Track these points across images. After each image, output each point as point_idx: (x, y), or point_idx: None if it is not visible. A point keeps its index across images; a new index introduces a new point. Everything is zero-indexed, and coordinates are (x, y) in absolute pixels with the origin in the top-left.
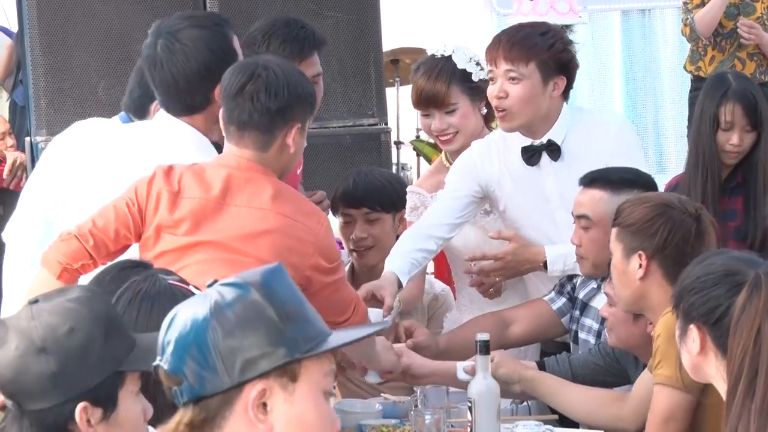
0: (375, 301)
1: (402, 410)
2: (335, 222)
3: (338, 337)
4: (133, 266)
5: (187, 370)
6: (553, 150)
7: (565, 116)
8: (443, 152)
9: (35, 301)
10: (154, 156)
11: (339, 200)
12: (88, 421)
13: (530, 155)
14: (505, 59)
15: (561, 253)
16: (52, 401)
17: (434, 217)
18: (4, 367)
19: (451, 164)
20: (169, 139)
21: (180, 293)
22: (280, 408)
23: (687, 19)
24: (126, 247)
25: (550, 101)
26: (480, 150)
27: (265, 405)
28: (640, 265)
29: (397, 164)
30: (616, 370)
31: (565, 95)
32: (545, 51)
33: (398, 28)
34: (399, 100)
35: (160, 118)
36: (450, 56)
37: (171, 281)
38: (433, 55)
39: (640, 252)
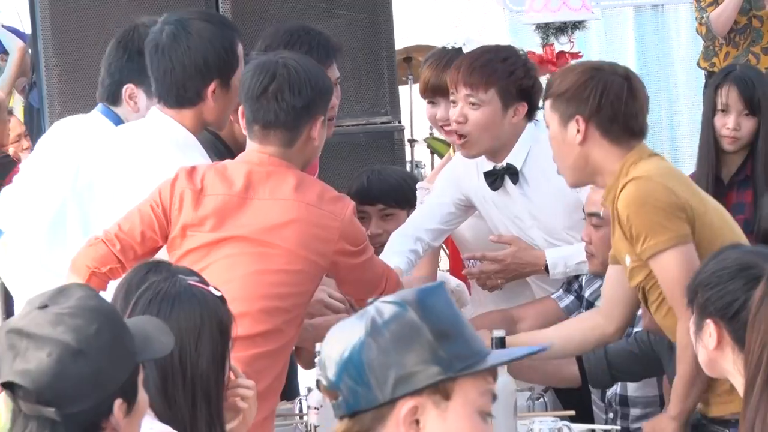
0: None
1: None
2: None
3: (496, 356)
4: (154, 267)
5: (343, 386)
6: (512, 173)
7: (526, 138)
8: (452, 147)
9: (44, 306)
10: (141, 157)
11: (354, 197)
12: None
13: (493, 179)
14: (465, 84)
15: (561, 256)
16: (91, 401)
17: (419, 220)
18: (40, 375)
19: None
20: (154, 141)
21: (200, 293)
22: (433, 425)
23: (702, 18)
24: (154, 249)
25: (511, 126)
26: (463, 162)
27: (417, 422)
28: (578, 130)
29: (411, 162)
30: (650, 358)
31: (529, 117)
32: (505, 78)
33: (411, 26)
34: (412, 98)
35: (151, 115)
36: (460, 48)
37: (191, 281)
38: (443, 47)
39: (577, 117)
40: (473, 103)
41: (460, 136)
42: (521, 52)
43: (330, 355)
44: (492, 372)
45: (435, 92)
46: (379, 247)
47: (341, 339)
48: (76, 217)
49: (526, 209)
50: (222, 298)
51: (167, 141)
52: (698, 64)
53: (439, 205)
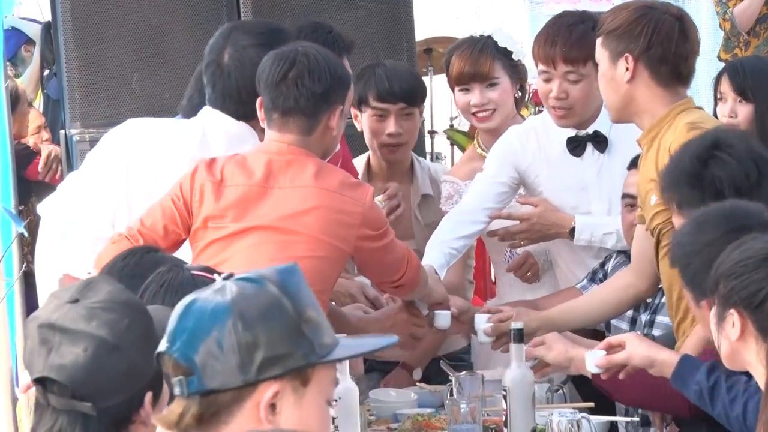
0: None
1: (437, 399)
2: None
3: (349, 346)
4: (144, 252)
5: (200, 361)
6: (600, 141)
7: None
8: (476, 140)
9: (75, 300)
10: (200, 152)
11: (372, 95)
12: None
13: (575, 146)
14: (565, 61)
15: (590, 223)
16: (125, 395)
17: (473, 200)
18: (76, 370)
19: (484, 151)
20: (217, 132)
21: (203, 283)
22: (289, 411)
23: (725, 13)
24: (177, 243)
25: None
26: (519, 134)
27: (273, 406)
28: (627, 68)
29: (431, 153)
30: None
31: None
32: None
33: (431, 18)
34: (432, 89)
35: (206, 115)
36: (490, 35)
37: (195, 272)
38: (472, 36)
39: (626, 54)
40: (573, 80)
41: (560, 108)
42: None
43: (186, 326)
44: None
45: (472, 78)
46: (397, 146)
47: (200, 311)
48: (125, 213)
49: (597, 179)
50: None
51: (220, 133)
52: (719, 57)
53: (491, 184)
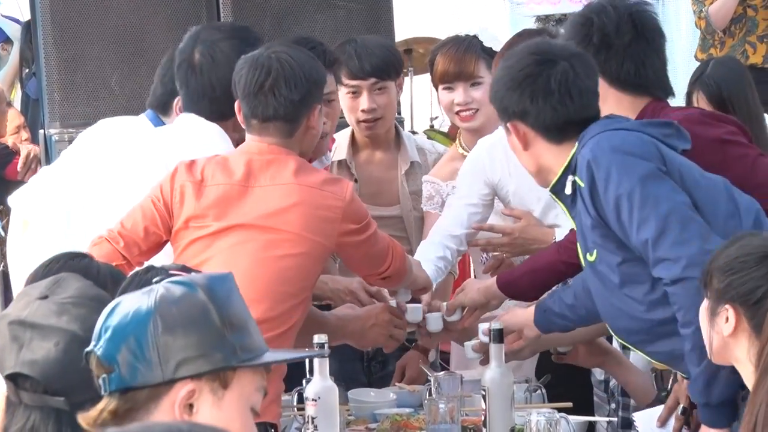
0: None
1: (416, 399)
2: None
3: (275, 355)
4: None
5: (121, 359)
6: None
7: None
8: (458, 140)
9: (44, 297)
10: (183, 154)
11: (344, 73)
12: None
13: None
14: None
15: None
16: (97, 389)
17: (447, 225)
18: (48, 365)
19: (466, 151)
20: (197, 136)
21: None
22: (206, 411)
23: (701, 12)
24: (158, 245)
25: None
26: (488, 147)
27: (191, 406)
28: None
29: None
30: None
31: None
32: None
33: (411, 18)
34: (412, 89)
35: (186, 120)
36: (475, 35)
37: (173, 272)
38: (457, 35)
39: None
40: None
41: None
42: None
43: (110, 325)
44: (267, 370)
45: (456, 77)
46: (373, 121)
47: (125, 310)
48: (96, 212)
49: None
50: None
51: (213, 133)
52: (695, 56)
53: (465, 207)
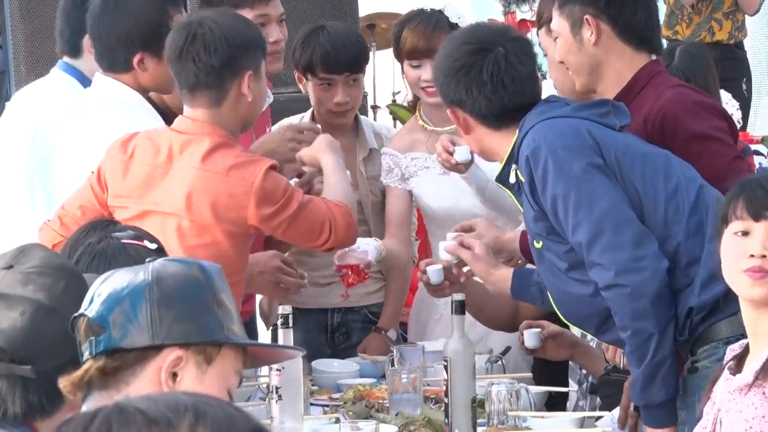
0: None
1: (379, 369)
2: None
3: (258, 342)
4: (91, 227)
5: (113, 320)
6: None
7: None
8: (418, 111)
9: (9, 267)
10: (94, 123)
11: (318, 66)
12: None
13: None
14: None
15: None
16: (64, 357)
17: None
18: (14, 334)
19: (426, 123)
20: (105, 105)
21: (134, 251)
22: (189, 383)
23: None
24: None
25: None
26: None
27: (175, 375)
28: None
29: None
30: None
31: None
32: None
33: None
34: (375, 64)
35: (97, 80)
36: (441, 10)
37: (124, 240)
38: (422, 9)
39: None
40: None
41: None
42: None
43: (104, 291)
44: (245, 358)
45: (424, 54)
46: (344, 112)
47: (120, 279)
48: (39, 188)
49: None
50: (159, 250)
51: (116, 103)
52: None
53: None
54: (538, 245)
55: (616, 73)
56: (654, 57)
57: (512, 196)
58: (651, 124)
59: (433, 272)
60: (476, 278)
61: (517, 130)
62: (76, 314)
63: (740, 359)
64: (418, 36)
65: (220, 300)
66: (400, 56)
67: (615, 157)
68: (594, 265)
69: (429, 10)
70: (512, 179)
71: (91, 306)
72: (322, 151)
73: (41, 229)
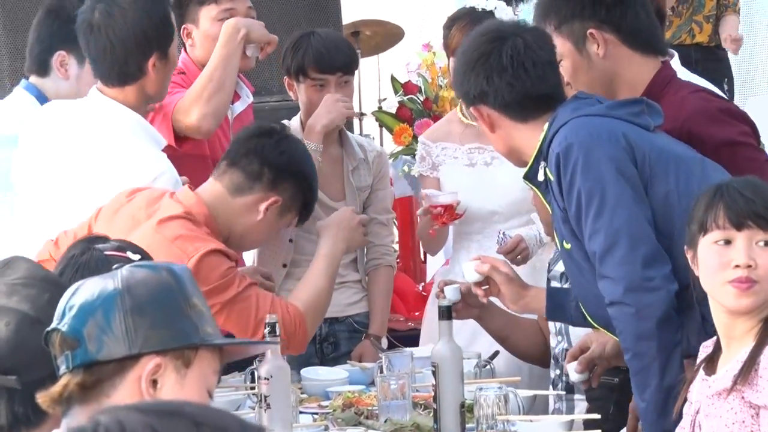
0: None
1: (368, 376)
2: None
3: (232, 340)
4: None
5: (87, 333)
6: None
7: None
8: (459, 105)
9: None
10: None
11: (311, 67)
12: None
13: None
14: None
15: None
16: (49, 368)
17: None
18: (0, 345)
19: (463, 116)
20: (104, 126)
21: (117, 262)
22: (170, 389)
23: None
24: None
25: None
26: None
27: (155, 382)
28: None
29: (360, 135)
30: None
31: None
32: None
33: (357, 0)
34: (360, 71)
35: (94, 98)
36: (492, 11)
37: (108, 252)
38: (473, 8)
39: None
40: None
41: None
42: None
43: (75, 303)
44: (221, 356)
45: None
46: None
47: (90, 289)
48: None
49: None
50: (143, 261)
51: (117, 126)
52: None
53: None
54: (567, 246)
55: (629, 83)
56: (661, 59)
57: (540, 195)
58: (677, 134)
59: (450, 291)
60: (495, 302)
61: (546, 125)
62: (48, 328)
63: (712, 358)
64: (464, 35)
65: (192, 303)
66: (448, 52)
67: (648, 161)
68: (603, 277)
69: (480, 10)
70: (540, 177)
71: (64, 320)
72: (328, 229)
73: (44, 245)
